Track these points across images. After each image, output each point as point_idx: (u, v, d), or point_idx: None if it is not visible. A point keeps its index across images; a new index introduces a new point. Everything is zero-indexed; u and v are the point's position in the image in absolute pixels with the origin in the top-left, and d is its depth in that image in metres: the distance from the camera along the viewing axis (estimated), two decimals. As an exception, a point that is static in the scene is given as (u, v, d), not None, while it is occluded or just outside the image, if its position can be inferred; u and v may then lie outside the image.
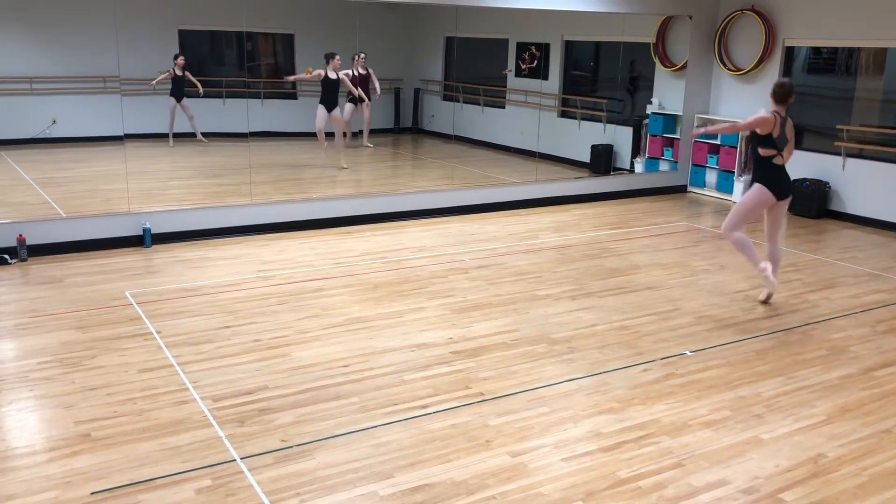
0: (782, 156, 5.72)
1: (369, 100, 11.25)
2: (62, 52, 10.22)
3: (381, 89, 11.56)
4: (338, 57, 10.32)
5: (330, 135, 10.64)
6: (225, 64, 11.17)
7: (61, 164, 10.30)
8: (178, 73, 10.46)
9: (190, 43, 11.13)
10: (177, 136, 10.87)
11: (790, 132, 5.75)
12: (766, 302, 6.03)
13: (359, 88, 10.79)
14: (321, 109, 10.41)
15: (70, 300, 5.75)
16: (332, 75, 10.34)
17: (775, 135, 5.63)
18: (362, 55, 10.98)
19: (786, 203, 5.87)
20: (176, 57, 10.46)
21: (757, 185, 5.82)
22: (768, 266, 5.90)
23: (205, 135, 10.97)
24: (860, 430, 4.07)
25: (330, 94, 10.43)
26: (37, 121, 10.12)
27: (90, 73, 9.95)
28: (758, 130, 5.65)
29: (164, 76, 10.40)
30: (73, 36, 10.14)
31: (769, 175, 5.75)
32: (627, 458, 3.71)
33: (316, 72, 10.25)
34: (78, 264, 6.63)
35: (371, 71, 11.16)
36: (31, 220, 6.98)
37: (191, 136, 10.89)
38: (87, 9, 9.93)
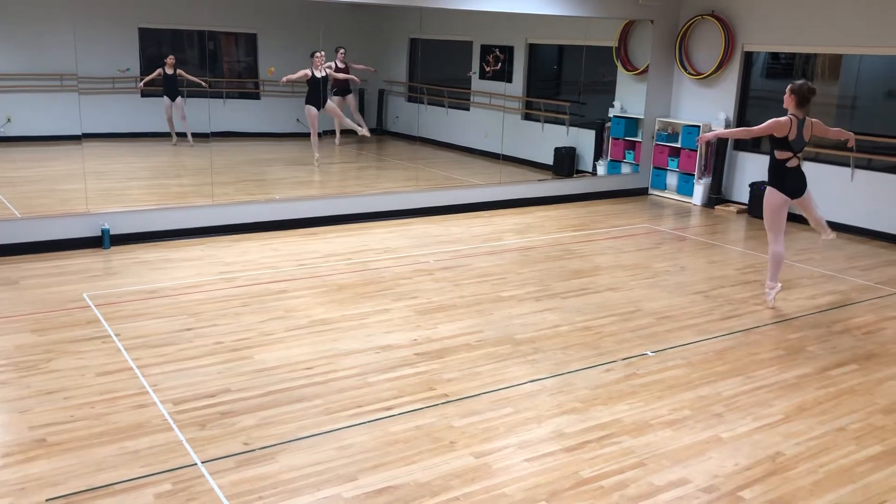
0: (798, 158, 5.81)
1: (350, 91, 11.50)
2: (17, 48, 9.97)
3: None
4: (318, 54, 10.34)
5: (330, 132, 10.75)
6: (186, 63, 10.99)
7: (17, 164, 10.06)
8: (169, 72, 10.34)
9: (150, 42, 10.94)
10: (149, 135, 10.71)
11: (809, 133, 5.79)
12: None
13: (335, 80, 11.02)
14: (311, 109, 10.41)
15: (26, 302, 5.63)
16: (319, 73, 10.38)
17: (791, 138, 5.72)
18: (342, 50, 11.13)
19: (806, 197, 5.96)
20: (166, 56, 10.37)
21: (768, 189, 5.94)
22: (773, 290, 6.08)
23: (165, 135, 10.80)
24: (816, 428, 4.16)
25: (316, 92, 10.47)
26: (-10, 119, 9.88)
27: (46, 70, 9.73)
28: (774, 134, 5.73)
29: (153, 76, 10.29)
30: (28, 32, 9.89)
31: (780, 176, 5.85)
32: (590, 457, 3.75)
33: (301, 72, 10.25)
34: (34, 266, 6.49)
35: (349, 63, 11.35)
36: (-15, 220, 6.83)
37: (165, 136, 10.73)
38: (43, 4, 9.71)
